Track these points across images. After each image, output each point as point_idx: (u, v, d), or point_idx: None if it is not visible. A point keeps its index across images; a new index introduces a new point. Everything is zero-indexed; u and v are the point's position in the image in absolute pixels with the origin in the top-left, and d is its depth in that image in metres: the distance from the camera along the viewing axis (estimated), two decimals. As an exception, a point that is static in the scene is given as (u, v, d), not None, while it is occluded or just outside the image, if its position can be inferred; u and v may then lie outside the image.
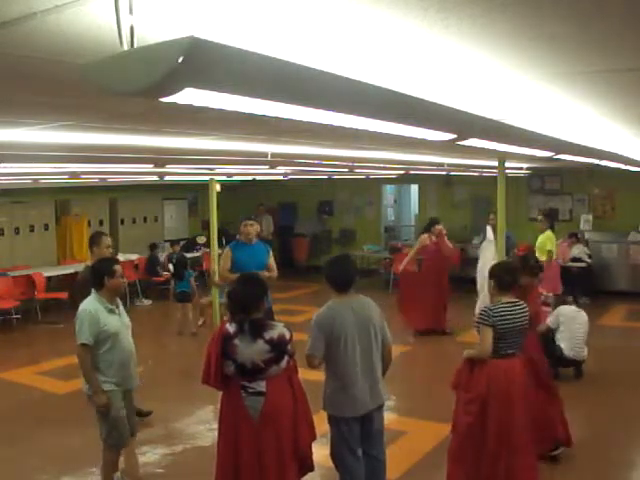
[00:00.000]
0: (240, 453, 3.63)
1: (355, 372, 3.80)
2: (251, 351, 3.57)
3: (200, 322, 9.84)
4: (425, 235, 9.47)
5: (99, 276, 4.28)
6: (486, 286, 9.65)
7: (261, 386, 3.61)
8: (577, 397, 6.11)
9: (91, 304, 4.21)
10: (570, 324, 6.73)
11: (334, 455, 3.99)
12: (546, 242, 8.45)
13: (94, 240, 5.53)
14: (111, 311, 4.26)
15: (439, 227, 9.34)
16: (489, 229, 9.59)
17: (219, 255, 9.49)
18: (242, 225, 6.38)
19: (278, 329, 3.68)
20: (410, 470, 4.84)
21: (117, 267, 4.34)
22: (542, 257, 8.39)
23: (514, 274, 4.30)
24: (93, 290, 4.29)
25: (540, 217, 8.92)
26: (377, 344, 3.88)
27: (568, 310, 6.85)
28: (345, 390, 3.83)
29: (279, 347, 3.63)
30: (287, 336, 3.69)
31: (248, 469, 3.61)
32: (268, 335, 3.61)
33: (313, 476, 4.28)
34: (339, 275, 3.90)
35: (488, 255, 9.56)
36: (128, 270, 11.81)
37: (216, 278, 8.15)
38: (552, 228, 8.71)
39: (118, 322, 4.31)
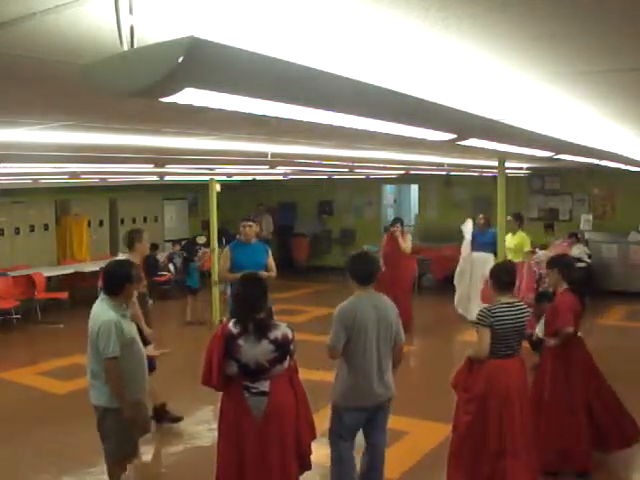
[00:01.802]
0: (244, 453, 3.62)
1: (371, 365, 3.95)
2: (255, 351, 3.57)
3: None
4: (385, 236, 9.53)
5: (120, 282, 4.03)
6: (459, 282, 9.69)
7: (264, 386, 3.61)
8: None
9: (108, 312, 3.95)
10: None
11: (330, 441, 4.14)
12: (523, 243, 8.41)
13: (135, 236, 5.49)
14: (124, 316, 4.05)
15: (393, 229, 9.21)
16: (468, 224, 9.69)
17: (219, 255, 9.52)
18: (241, 226, 6.45)
19: (282, 329, 3.68)
20: (410, 470, 4.84)
21: (134, 271, 4.19)
22: (517, 259, 8.37)
23: (513, 274, 4.30)
24: (105, 296, 4.03)
25: (509, 218, 8.82)
26: (390, 341, 4.04)
27: None
28: (359, 381, 3.96)
29: (283, 347, 3.64)
30: (290, 336, 3.70)
31: (253, 469, 3.61)
32: (273, 335, 3.62)
33: (313, 475, 4.28)
34: (362, 269, 4.07)
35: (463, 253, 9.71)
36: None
37: (215, 278, 8.18)
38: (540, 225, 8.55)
39: (133, 328, 4.14)
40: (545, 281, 8.08)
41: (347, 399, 4.02)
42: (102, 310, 3.98)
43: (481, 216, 9.79)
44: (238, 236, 6.67)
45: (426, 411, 6.14)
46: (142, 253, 5.54)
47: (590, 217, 12.53)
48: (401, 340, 4.12)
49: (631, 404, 5.81)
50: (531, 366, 5.14)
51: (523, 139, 3.77)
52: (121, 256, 12.20)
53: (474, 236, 9.70)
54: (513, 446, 3.98)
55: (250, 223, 6.48)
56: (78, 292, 11.46)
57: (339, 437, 4.09)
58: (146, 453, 5.20)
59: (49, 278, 10.94)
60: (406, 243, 9.09)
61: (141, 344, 4.20)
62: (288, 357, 3.70)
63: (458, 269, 9.96)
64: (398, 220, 9.48)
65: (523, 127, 3.63)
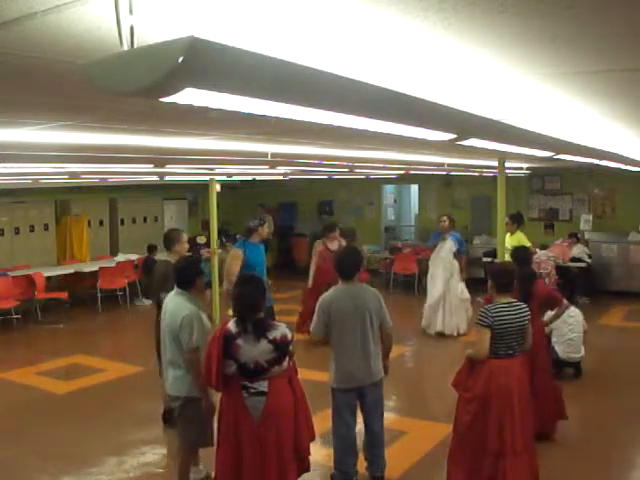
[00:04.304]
0: (242, 453, 3.62)
1: (354, 350, 4.26)
2: (254, 351, 3.58)
3: None
4: (318, 241, 8.56)
5: (192, 276, 4.21)
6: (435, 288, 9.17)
7: (263, 386, 3.61)
8: (576, 396, 6.11)
9: (188, 305, 4.09)
10: (562, 328, 6.68)
11: (332, 420, 4.41)
12: (521, 241, 8.37)
13: (174, 237, 5.54)
14: (200, 309, 4.19)
15: (332, 234, 8.34)
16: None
17: (218, 255, 9.53)
18: (260, 226, 6.59)
19: (281, 329, 3.69)
20: (410, 470, 4.84)
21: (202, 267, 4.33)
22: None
23: (511, 276, 4.29)
24: (179, 290, 4.18)
25: (506, 220, 8.58)
26: (373, 327, 4.32)
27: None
28: (342, 364, 4.31)
29: (282, 347, 3.64)
30: (289, 336, 3.70)
31: (250, 469, 3.61)
32: (271, 335, 3.62)
33: (313, 476, 4.28)
34: (343, 265, 4.43)
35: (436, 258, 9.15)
36: (128, 270, 11.82)
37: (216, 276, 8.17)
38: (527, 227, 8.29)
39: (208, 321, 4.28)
40: (545, 281, 8.08)
41: (335, 381, 4.33)
42: (182, 304, 4.12)
43: (444, 217, 9.09)
44: (238, 236, 6.74)
45: (426, 411, 6.15)
46: (180, 254, 5.47)
47: (590, 217, 12.52)
48: (387, 325, 4.39)
49: (632, 404, 5.82)
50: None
51: (523, 139, 3.76)
52: (120, 257, 12.09)
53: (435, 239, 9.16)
54: (513, 446, 3.98)
55: (267, 222, 6.85)
56: (78, 292, 11.47)
57: (339, 418, 4.35)
58: (146, 453, 5.21)
59: (49, 278, 10.93)
60: None
61: None
62: (287, 358, 3.70)
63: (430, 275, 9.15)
64: (336, 226, 8.56)
65: (523, 127, 3.63)
